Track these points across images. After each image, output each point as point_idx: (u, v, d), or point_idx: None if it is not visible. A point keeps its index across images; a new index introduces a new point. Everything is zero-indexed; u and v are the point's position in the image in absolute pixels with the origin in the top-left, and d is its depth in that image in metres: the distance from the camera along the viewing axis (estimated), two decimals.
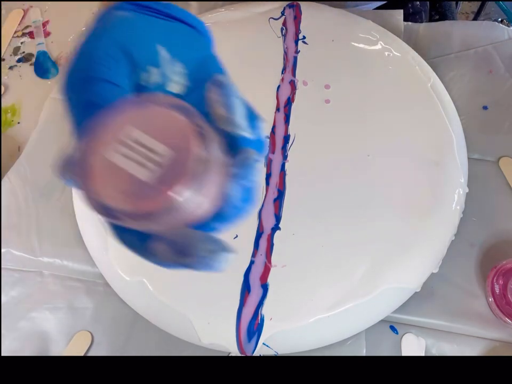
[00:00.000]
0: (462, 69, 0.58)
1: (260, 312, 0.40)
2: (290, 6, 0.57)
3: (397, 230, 0.43)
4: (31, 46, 0.63)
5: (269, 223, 0.44)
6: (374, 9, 0.64)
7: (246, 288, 0.41)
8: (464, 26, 0.62)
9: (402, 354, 0.43)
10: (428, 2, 0.72)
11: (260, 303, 0.40)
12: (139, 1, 0.26)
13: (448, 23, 0.63)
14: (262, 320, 0.40)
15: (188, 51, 0.27)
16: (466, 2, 1.24)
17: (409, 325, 0.44)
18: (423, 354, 0.43)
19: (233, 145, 0.23)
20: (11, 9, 0.66)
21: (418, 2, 0.69)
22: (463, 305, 0.45)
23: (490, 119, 0.55)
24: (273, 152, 0.47)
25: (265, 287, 0.41)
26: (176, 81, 0.26)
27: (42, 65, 0.61)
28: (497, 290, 0.44)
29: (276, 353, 0.40)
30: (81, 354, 0.43)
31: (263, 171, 0.46)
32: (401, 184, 0.46)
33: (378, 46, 0.54)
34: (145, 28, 0.26)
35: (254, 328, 0.40)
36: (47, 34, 0.64)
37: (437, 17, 0.75)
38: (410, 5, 0.69)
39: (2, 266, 0.47)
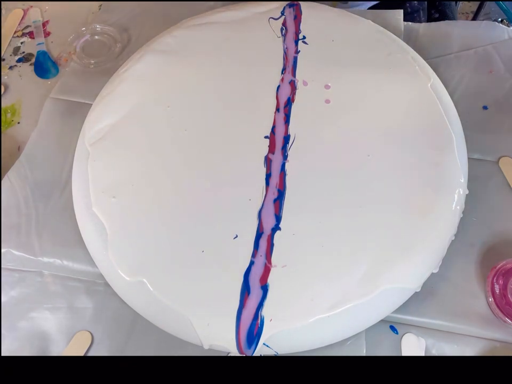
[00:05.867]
0: (462, 69, 0.59)
1: (259, 313, 0.40)
2: (290, 6, 0.57)
3: (397, 230, 0.43)
4: (31, 46, 0.63)
5: (269, 223, 0.44)
6: (373, 8, 0.64)
7: (245, 289, 0.41)
8: (464, 26, 0.62)
9: (402, 354, 0.43)
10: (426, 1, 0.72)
11: (260, 305, 0.40)
12: None
13: (448, 23, 0.63)
14: (262, 321, 0.40)
15: None
16: (466, 2, 1.24)
17: (409, 325, 0.44)
18: (423, 354, 0.43)
19: None
20: (11, 9, 0.66)
21: (416, 2, 0.69)
22: (463, 305, 0.45)
23: (490, 119, 0.55)
24: (273, 152, 0.47)
25: (265, 288, 0.41)
26: None
27: (42, 65, 0.61)
28: (497, 290, 0.44)
29: (276, 353, 0.40)
30: (81, 354, 0.43)
31: (263, 171, 0.46)
32: (401, 184, 0.46)
33: (378, 46, 0.54)
34: None
35: (254, 330, 0.40)
36: (47, 34, 0.64)
37: (437, 15, 0.75)
38: (408, 4, 0.69)
39: (2, 266, 0.47)
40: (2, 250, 0.47)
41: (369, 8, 0.67)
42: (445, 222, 0.44)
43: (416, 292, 0.43)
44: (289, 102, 0.50)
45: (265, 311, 0.40)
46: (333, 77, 0.52)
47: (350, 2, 0.64)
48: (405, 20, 0.61)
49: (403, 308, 0.43)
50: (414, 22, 0.62)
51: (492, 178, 0.51)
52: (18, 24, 0.65)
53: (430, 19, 0.73)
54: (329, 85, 0.51)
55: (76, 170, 0.48)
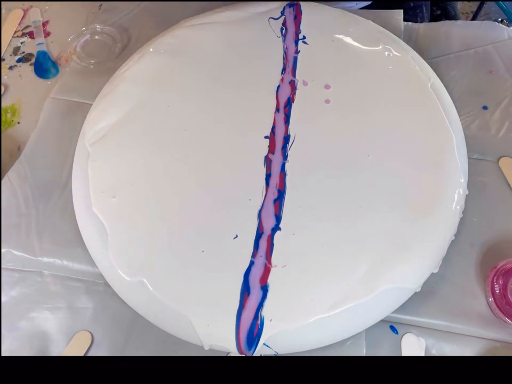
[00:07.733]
0: (462, 69, 0.59)
1: (259, 314, 0.40)
2: (290, 6, 0.57)
3: (397, 230, 0.43)
4: (31, 46, 0.63)
5: (269, 223, 0.44)
6: (374, 9, 0.64)
7: (245, 290, 0.41)
8: (464, 26, 0.62)
9: (402, 354, 0.43)
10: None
11: (260, 305, 0.40)
12: None
13: (448, 23, 0.63)
14: (262, 322, 0.40)
15: None
16: (466, 2, 1.24)
17: (409, 325, 0.44)
18: (423, 354, 0.43)
19: None
20: (11, 9, 0.66)
21: None
22: (463, 305, 0.45)
23: (490, 119, 0.55)
24: (273, 153, 0.47)
25: (265, 289, 0.41)
26: None
27: (42, 65, 0.61)
28: (497, 290, 0.44)
29: (276, 353, 0.40)
30: (81, 354, 0.43)
31: (263, 171, 0.46)
32: (401, 184, 0.46)
33: (378, 46, 0.54)
34: None
35: (254, 330, 0.40)
36: (47, 34, 0.64)
37: (439, 12, 0.75)
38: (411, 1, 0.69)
39: (2, 266, 0.47)
40: (2, 250, 0.47)
41: (367, 8, 0.66)
42: (445, 222, 0.44)
43: (416, 292, 0.43)
44: (289, 102, 0.50)
45: (265, 311, 0.40)
46: (333, 77, 0.52)
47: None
48: (408, 15, 0.61)
49: (403, 308, 0.43)
50: (417, 17, 0.62)
51: (492, 178, 0.51)
52: (18, 24, 0.65)
53: (432, 16, 0.74)
54: (329, 85, 0.51)
55: (75, 170, 0.48)
